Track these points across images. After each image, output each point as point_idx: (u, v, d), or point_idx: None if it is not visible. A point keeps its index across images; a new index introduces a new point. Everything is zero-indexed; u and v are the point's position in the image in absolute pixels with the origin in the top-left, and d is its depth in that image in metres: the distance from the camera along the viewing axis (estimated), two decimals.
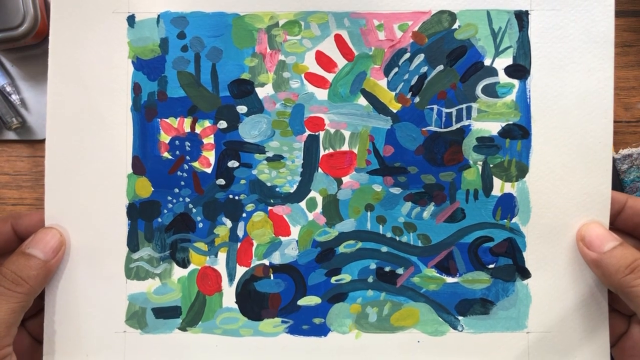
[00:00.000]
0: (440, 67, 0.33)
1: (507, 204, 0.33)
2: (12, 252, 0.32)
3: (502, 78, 0.33)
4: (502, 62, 0.33)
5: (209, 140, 0.34)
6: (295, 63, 0.34)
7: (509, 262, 0.33)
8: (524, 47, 0.32)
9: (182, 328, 0.33)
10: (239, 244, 0.34)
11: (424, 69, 0.33)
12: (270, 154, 0.34)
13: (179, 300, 0.33)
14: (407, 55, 0.33)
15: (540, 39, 0.32)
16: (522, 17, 0.32)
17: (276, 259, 0.33)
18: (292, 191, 0.34)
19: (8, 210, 0.41)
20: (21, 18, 0.38)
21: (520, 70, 0.33)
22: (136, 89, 0.34)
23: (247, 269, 0.33)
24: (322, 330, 0.33)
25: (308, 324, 0.33)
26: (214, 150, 0.34)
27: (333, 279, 0.33)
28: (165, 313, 0.33)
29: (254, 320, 0.33)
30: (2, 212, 0.42)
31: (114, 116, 0.34)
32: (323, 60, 0.33)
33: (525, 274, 0.33)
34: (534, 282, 0.33)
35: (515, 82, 0.33)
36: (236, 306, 0.33)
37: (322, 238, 0.33)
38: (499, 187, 0.33)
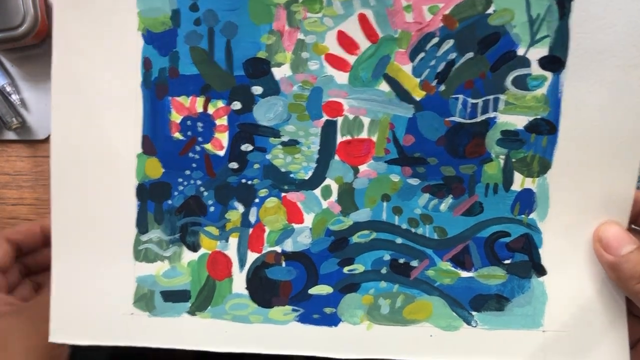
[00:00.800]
0: (470, 55, 0.31)
1: (526, 200, 0.32)
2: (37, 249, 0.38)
3: (535, 70, 0.31)
4: (537, 53, 0.31)
5: (222, 121, 0.32)
6: (315, 43, 0.32)
7: (525, 259, 0.32)
8: (562, 38, 0.30)
9: (191, 312, 0.33)
10: (250, 229, 0.33)
11: (453, 55, 0.31)
12: (285, 139, 0.32)
13: (188, 284, 0.33)
14: (436, 40, 0.31)
15: (581, 29, 0.30)
16: (564, 4, 0.30)
17: (288, 246, 0.33)
18: (306, 178, 0.32)
19: (8, 210, 0.42)
20: (21, 18, 0.38)
21: (555, 62, 0.31)
22: (146, 64, 0.32)
23: (258, 255, 0.33)
24: (332, 320, 0.33)
25: (319, 313, 0.33)
26: (227, 132, 0.32)
27: (345, 269, 0.33)
28: (174, 296, 0.33)
29: (264, 307, 0.33)
30: (2, 212, 0.42)
31: (124, 93, 0.32)
32: (345, 41, 0.32)
33: (541, 271, 0.32)
34: (550, 279, 0.32)
35: (549, 74, 0.31)
36: (246, 292, 0.33)
37: (336, 227, 0.33)
38: (520, 182, 0.32)
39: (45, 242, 0.37)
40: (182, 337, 0.32)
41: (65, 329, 0.32)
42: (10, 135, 0.42)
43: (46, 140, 0.43)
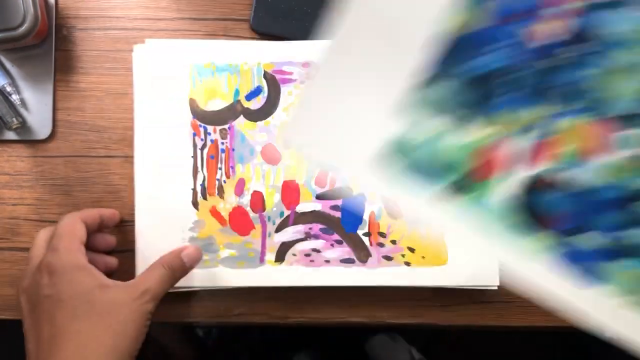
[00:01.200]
0: None
1: None
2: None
3: None
4: None
5: (572, 5, 0.27)
6: None
7: None
8: None
9: (449, 190, 0.27)
10: (538, 140, 0.27)
11: None
12: None
13: (447, 164, 0.27)
14: None
15: None
16: None
17: (572, 176, 0.27)
18: (637, 112, 0.27)
19: (8, 210, 0.42)
20: (21, 18, 0.37)
21: None
22: None
23: (533, 172, 0.27)
24: (593, 278, 0.27)
25: (583, 264, 0.27)
26: (572, 20, 0.27)
27: (630, 231, 0.27)
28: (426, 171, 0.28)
29: (522, 233, 0.27)
30: (2, 212, 0.42)
31: None
32: None
33: None
34: None
35: None
36: (503, 207, 0.27)
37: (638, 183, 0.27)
38: None
39: (99, 229, 0.40)
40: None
41: None
42: (10, 135, 0.42)
43: (46, 140, 0.43)
